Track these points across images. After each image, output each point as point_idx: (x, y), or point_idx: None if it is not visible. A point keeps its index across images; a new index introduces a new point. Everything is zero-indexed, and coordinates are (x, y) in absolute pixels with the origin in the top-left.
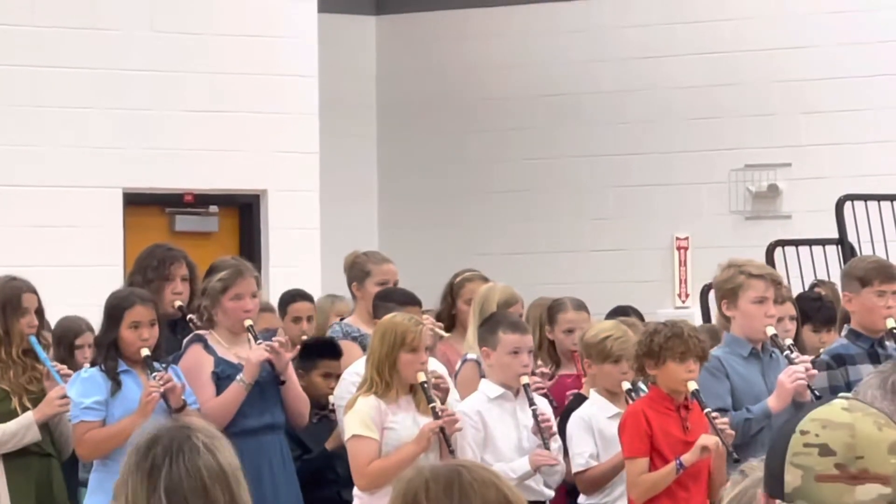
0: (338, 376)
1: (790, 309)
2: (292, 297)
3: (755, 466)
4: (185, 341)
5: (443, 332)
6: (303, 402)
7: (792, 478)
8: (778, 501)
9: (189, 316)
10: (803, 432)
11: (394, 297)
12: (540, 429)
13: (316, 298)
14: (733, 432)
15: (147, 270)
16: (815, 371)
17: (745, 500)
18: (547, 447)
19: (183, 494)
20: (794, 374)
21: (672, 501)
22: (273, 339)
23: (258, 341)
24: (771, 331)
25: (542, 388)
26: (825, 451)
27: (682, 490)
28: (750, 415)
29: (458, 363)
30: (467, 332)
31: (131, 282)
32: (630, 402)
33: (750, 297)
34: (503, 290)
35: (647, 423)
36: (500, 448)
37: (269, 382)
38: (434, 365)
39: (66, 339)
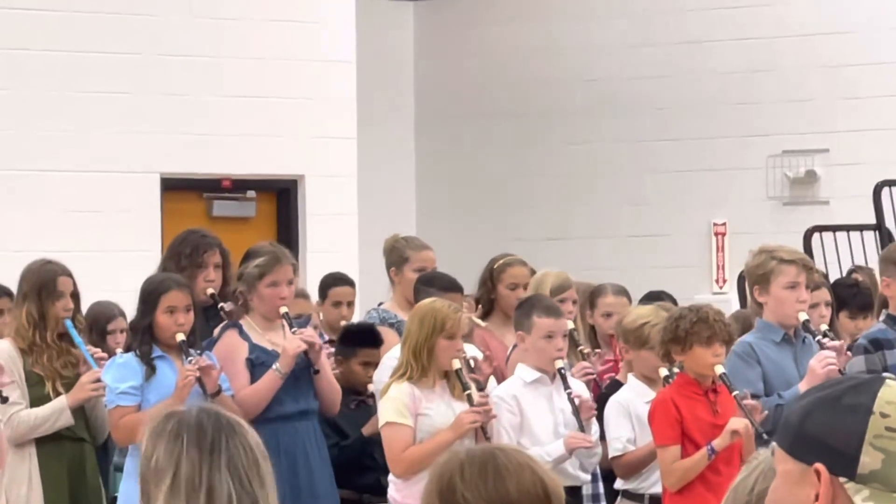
0: (377, 364)
1: (825, 294)
2: (334, 280)
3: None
4: (220, 327)
5: (480, 322)
6: (335, 391)
7: (871, 459)
8: (842, 479)
9: (220, 304)
10: (884, 415)
11: (436, 283)
12: (577, 412)
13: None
14: (765, 412)
15: (180, 257)
16: (846, 355)
17: (741, 489)
18: (583, 430)
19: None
20: (826, 359)
21: (705, 486)
22: (307, 327)
23: (293, 329)
24: (803, 316)
25: (592, 374)
26: None
27: (715, 474)
28: (781, 401)
29: (510, 349)
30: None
31: (164, 267)
32: None
33: (782, 282)
34: (556, 276)
35: (677, 409)
36: (537, 433)
37: (303, 370)
38: (472, 351)
39: (98, 325)
